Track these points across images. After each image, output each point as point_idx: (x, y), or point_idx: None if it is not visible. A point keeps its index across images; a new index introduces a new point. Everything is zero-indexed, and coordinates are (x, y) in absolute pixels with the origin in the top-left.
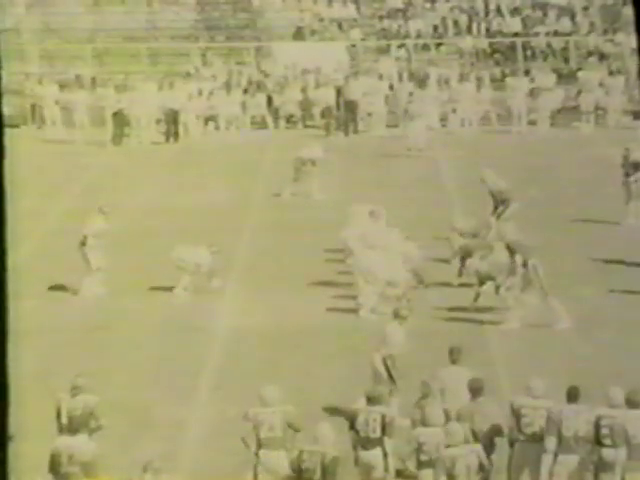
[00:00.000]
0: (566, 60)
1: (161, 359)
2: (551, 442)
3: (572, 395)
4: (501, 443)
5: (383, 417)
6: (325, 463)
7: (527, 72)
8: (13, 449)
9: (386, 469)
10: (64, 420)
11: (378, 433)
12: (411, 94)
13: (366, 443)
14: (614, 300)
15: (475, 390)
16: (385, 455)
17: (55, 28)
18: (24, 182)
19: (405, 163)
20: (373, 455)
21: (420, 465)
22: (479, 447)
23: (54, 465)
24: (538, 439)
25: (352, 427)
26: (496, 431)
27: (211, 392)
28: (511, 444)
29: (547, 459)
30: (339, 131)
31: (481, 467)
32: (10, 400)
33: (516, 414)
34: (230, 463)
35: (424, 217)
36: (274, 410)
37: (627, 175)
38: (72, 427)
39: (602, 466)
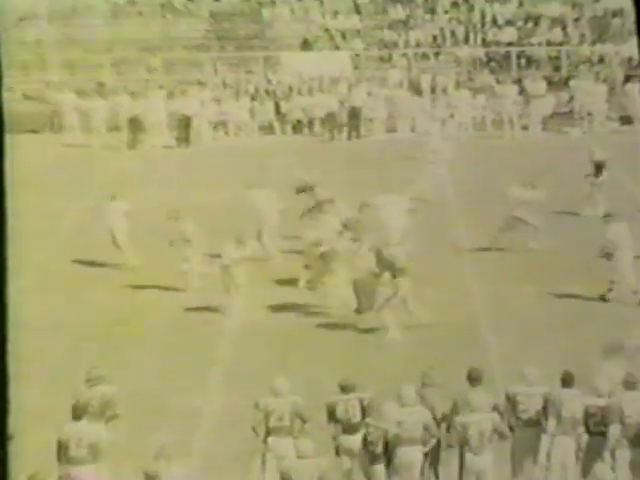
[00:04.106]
0: (557, 68)
1: (176, 352)
2: (552, 424)
3: (567, 380)
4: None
5: (361, 401)
6: (387, 438)
7: (520, 80)
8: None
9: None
10: (82, 409)
11: (358, 417)
12: (412, 101)
13: (348, 429)
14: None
15: (473, 380)
16: (368, 432)
17: (76, 39)
18: (44, 184)
19: (405, 166)
20: (353, 440)
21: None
22: (495, 414)
23: (62, 450)
24: (534, 424)
25: (331, 418)
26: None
27: (222, 383)
28: (511, 429)
29: (546, 440)
30: (342, 136)
31: (496, 432)
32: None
33: (512, 401)
34: (240, 450)
35: (422, 217)
36: (284, 400)
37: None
38: (90, 415)
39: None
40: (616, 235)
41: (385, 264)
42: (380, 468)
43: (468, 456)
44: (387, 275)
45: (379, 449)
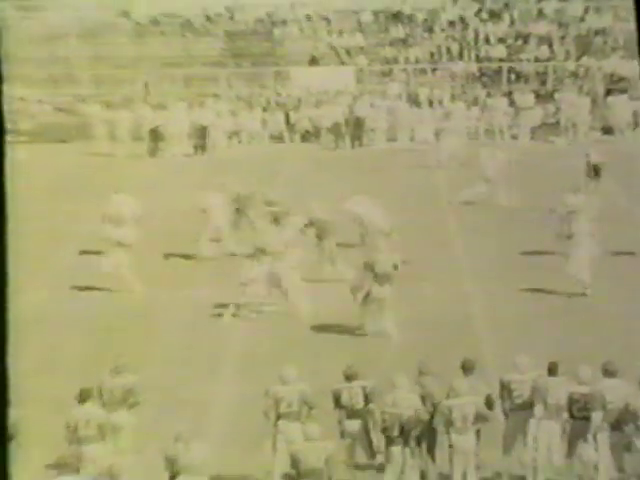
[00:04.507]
0: (544, 82)
1: (192, 345)
2: (538, 409)
3: (552, 369)
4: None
5: (364, 388)
6: (402, 422)
7: (510, 93)
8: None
9: (374, 430)
10: (105, 397)
11: (361, 404)
12: (410, 112)
13: (352, 414)
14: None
15: (466, 369)
16: (372, 416)
17: (102, 56)
18: (71, 189)
19: (404, 172)
20: (355, 424)
21: None
22: (479, 400)
23: (70, 431)
24: (527, 407)
25: (337, 404)
26: (488, 405)
27: (235, 373)
28: (506, 415)
29: (533, 424)
30: (346, 144)
31: (479, 416)
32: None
33: (507, 388)
34: (252, 434)
35: (418, 220)
36: (292, 388)
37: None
38: (112, 403)
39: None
40: (578, 230)
41: (368, 268)
42: (397, 450)
43: (454, 437)
44: (369, 279)
45: (395, 432)
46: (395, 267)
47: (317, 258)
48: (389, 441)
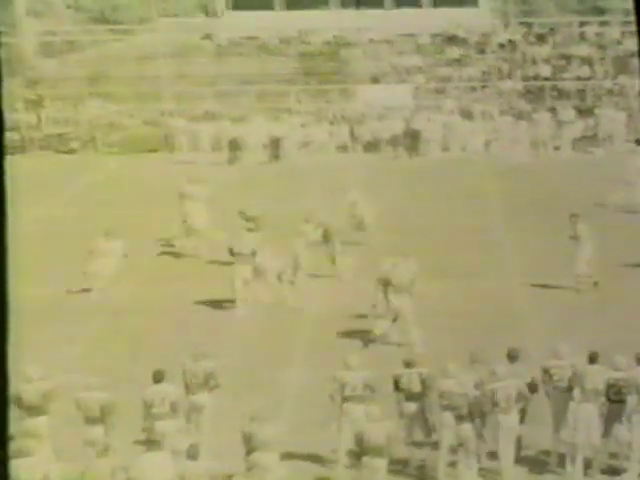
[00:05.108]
0: (584, 99)
1: (266, 334)
2: (577, 393)
3: (592, 358)
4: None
5: (420, 374)
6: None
7: (553, 108)
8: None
9: (430, 411)
10: (187, 380)
11: (419, 388)
12: (463, 125)
13: (410, 397)
14: None
15: (511, 357)
16: (429, 402)
17: (186, 74)
18: (158, 194)
19: (457, 179)
20: (413, 406)
21: None
22: (520, 382)
23: (146, 408)
24: (568, 390)
25: (396, 388)
26: (532, 388)
27: (305, 359)
28: (548, 397)
29: (573, 406)
30: (404, 154)
31: (520, 397)
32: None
33: (548, 373)
34: (320, 415)
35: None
36: (356, 374)
37: None
38: (194, 385)
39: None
40: (581, 232)
41: (384, 277)
42: (467, 426)
43: (500, 416)
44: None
45: (464, 411)
46: (411, 282)
47: (323, 258)
48: (448, 420)
